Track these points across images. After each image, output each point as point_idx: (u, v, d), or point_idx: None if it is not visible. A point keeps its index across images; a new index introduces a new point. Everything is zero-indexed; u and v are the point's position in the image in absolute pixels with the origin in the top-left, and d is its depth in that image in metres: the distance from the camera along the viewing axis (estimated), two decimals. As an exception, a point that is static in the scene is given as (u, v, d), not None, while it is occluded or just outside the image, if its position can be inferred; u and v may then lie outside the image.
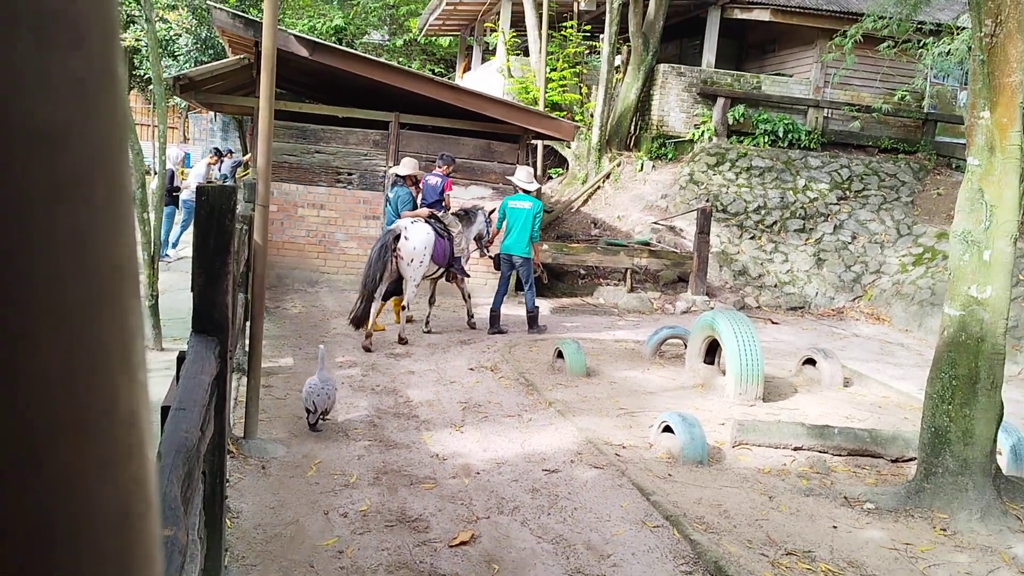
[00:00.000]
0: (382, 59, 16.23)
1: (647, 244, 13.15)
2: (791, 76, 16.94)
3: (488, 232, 9.89)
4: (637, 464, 5.56)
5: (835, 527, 4.77)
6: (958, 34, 12.48)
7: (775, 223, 14.29)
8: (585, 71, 17.59)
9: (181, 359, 2.95)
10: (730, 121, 15.79)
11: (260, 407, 5.62)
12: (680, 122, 16.22)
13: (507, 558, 4.15)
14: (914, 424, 6.26)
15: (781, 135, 15.71)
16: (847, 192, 14.92)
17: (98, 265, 0.34)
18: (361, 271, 11.63)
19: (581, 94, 17.28)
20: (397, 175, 9.51)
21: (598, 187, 15.74)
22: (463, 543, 4.27)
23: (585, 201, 15.36)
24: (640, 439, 6.09)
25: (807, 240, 14.09)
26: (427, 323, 9.64)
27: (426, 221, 9.08)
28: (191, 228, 5.42)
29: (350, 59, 10.91)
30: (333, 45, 11.80)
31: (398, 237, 8.81)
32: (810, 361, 8.41)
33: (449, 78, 22.72)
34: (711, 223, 12.60)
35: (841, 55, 13.00)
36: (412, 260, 8.83)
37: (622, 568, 4.11)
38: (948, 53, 12.42)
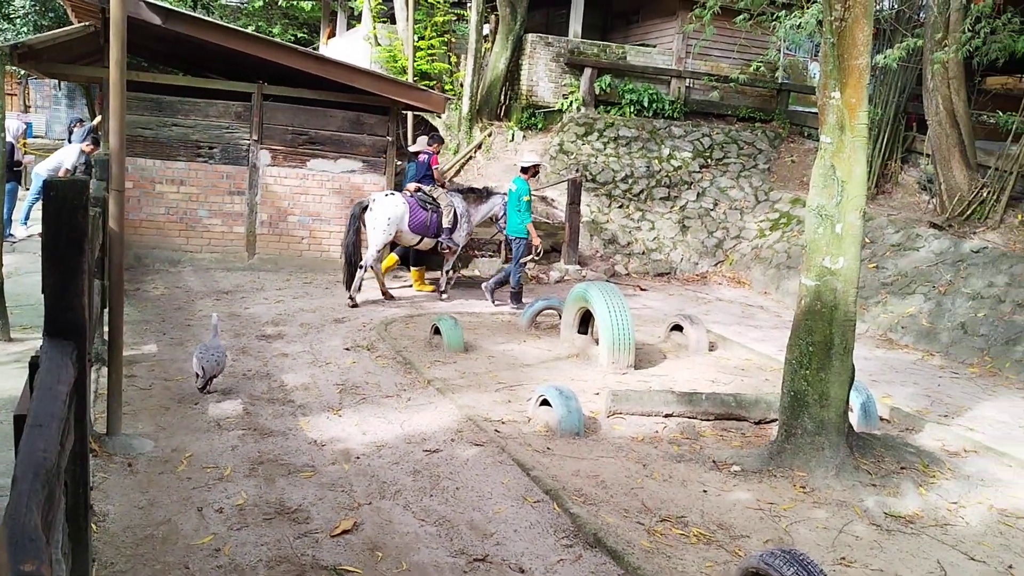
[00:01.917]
0: (240, 24, 15.53)
1: (520, 215, 13.23)
2: (655, 47, 17.32)
3: (503, 213, 10.49)
4: (517, 439, 5.64)
5: (705, 491, 4.99)
6: (808, 7, 13.05)
7: (642, 192, 14.67)
8: (454, 40, 17.41)
9: (34, 366, 2.76)
10: (597, 91, 16.02)
11: (123, 400, 5.35)
12: (549, 92, 16.34)
13: (390, 544, 4.14)
14: (775, 386, 6.61)
15: (646, 105, 16.08)
16: (708, 160, 15.46)
17: None
18: (226, 249, 11.33)
19: (450, 63, 17.11)
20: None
21: (470, 157, 15.70)
22: (345, 532, 4.22)
23: (458, 172, 15.29)
24: (519, 413, 6.17)
25: (672, 208, 14.54)
26: (443, 289, 10.50)
27: (411, 194, 10.05)
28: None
29: (207, 28, 10.39)
30: (188, 13, 11.19)
31: (366, 208, 9.77)
32: (677, 327, 8.72)
33: (313, 46, 22.03)
34: (581, 193, 12.81)
35: (701, 26, 13.36)
36: (374, 228, 9.74)
37: (505, 546, 4.17)
38: (799, 26, 12.95)
